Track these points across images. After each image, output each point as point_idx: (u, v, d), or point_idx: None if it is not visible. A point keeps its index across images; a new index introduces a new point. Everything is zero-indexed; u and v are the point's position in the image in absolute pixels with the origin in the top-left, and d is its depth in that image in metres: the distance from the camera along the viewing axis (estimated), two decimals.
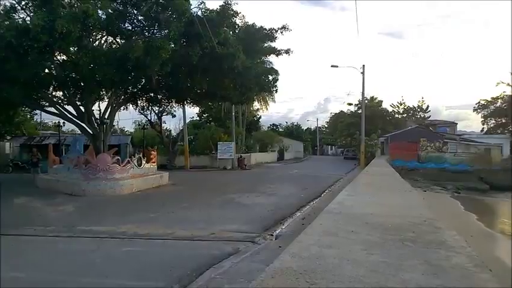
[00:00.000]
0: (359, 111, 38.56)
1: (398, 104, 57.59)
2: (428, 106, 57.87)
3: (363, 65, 30.29)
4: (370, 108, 45.18)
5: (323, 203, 11.00)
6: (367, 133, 36.00)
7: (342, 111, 57.22)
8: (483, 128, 51.11)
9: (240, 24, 17.35)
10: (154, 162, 18.07)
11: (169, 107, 24.98)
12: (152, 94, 18.50)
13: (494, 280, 3.57)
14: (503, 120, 48.50)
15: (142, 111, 24.70)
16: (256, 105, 41.65)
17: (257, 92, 19.71)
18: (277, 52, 19.97)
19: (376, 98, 52.68)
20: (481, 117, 50.83)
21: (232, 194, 14.00)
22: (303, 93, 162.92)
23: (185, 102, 21.00)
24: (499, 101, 48.84)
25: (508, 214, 17.25)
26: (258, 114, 47.68)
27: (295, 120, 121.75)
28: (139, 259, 6.33)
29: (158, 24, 12.86)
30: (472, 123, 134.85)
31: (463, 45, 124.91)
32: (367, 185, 12.72)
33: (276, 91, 19.25)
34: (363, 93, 32.36)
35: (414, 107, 57.96)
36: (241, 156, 30.14)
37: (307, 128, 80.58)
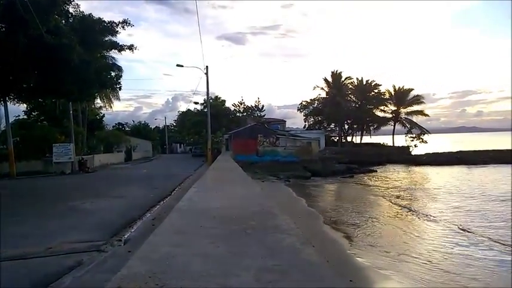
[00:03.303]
0: (205, 110, 39.97)
1: (239, 104, 62.32)
2: (263, 106, 64.44)
3: (206, 66, 31.92)
4: (215, 107, 47.55)
5: (173, 201, 11.09)
6: (213, 131, 37.78)
7: (189, 109, 58.77)
8: (305, 124, 60.83)
9: (74, 14, 15.68)
10: None
11: None
12: None
13: (316, 254, 4.40)
14: (319, 118, 59.03)
15: None
16: (98, 102, 38.57)
17: (98, 89, 18.24)
18: (119, 47, 18.84)
19: (220, 97, 56.15)
20: (303, 115, 60.71)
21: (73, 201, 12.55)
22: (151, 91, 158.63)
23: (7, 98, 17.69)
24: (316, 102, 59.24)
25: (324, 196, 20.91)
26: (101, 113, 44.31)
27: (143, 119, 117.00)
28: None
29: None
30: (297, 121, 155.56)
31: (289, 52, 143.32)
32: (213, 180, 13.49)
33: (120, 88, 18.33)
34: (207, 93, 33.95)
35: (252, 107, 63.59)
36: (82, 158, 27.47)
37: (156, 126, 79.03)
